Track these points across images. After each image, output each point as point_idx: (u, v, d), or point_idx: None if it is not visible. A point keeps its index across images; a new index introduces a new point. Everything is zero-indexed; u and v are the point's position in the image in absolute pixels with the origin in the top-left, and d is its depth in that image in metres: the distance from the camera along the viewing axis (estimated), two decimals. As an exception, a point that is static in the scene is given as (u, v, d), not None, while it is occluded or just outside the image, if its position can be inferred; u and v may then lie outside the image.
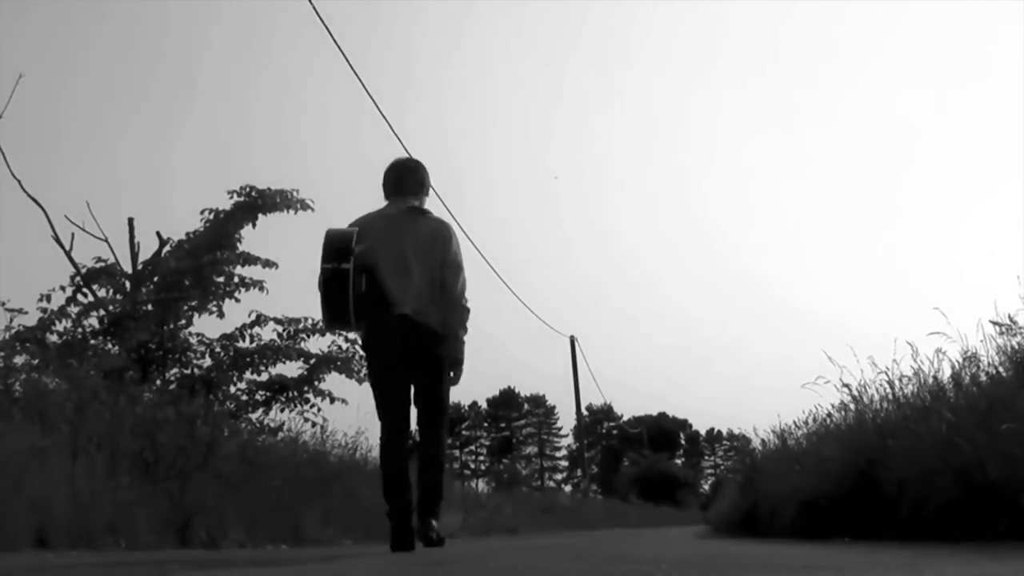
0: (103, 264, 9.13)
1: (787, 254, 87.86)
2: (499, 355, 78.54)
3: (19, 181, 8.59)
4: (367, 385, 8.29)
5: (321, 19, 9.05)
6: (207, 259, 9.20)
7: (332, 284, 3.89)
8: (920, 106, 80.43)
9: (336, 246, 3.91)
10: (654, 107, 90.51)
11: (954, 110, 78.90)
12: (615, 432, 68.65)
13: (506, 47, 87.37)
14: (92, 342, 8.78)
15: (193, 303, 9.18)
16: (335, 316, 4.00)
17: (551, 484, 66.62)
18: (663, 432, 68.58)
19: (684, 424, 72.65)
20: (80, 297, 8.89)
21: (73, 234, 8.99)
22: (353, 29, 64.05)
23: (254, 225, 9.54)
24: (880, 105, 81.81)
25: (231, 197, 9.45)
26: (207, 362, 9.09)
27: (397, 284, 4.02)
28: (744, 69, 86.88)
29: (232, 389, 9.09)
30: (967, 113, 77.73)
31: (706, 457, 74.72)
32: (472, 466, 68.00)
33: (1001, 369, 4.59)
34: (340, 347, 9.33)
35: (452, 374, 4.21)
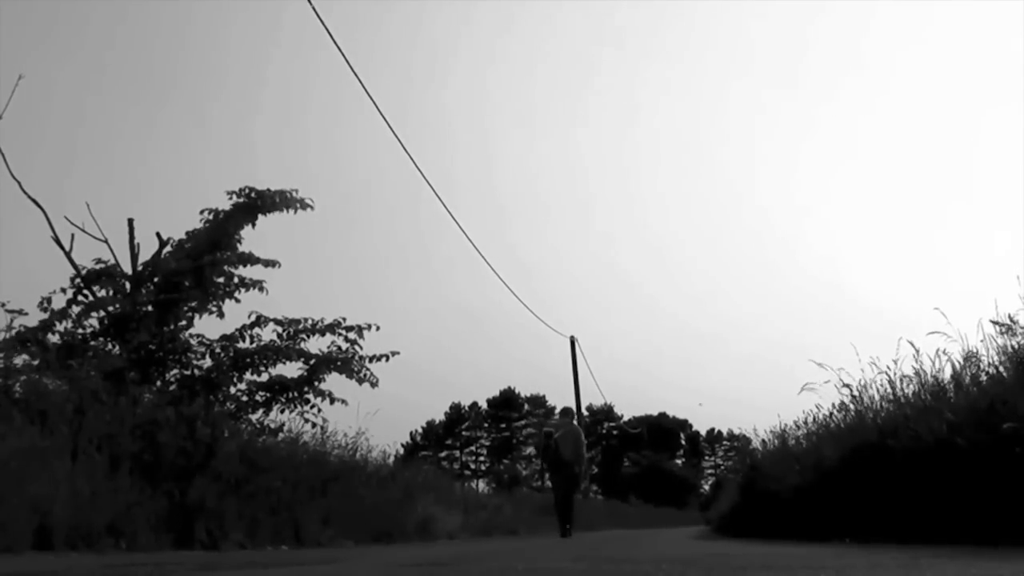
0: (103, 265, 9.12)
1: (788, 253, 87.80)
2: (499, 356, 78.69)
3: (19, 182, 8.56)
4: (367, 386, 9.03)
5: (322, 21, 9.10)
6: (207, 260, 9.20)
7: (545, 449, 11.96)
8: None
9: (546, 432, 12.17)
10: (656, 109, 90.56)
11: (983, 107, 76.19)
12: (615, 432, 68.53)
13: (505, 49, 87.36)
14: (92, 343, 8.78)
15: (193, 304, 9.18)
16: (546, 460, 12.23)
17: (551, 485, 66.42)
18: (663, 432, 68.51)
19: (684, 424, 72.47)
20: (80, 298, 8.89)
21: (73, 235, 8.93)
22: (353, 27, 64.00)
23: (254, 225, 9.56)
24: (919, 103, 79.47)
25: (230, 198, 9.48)
26: (207, 363, 9.08)
27: (564, 447, 11.33)
28: (780, 63, 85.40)
29: (232, 390, 9.08)
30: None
31: (706, 457, 74.46)
32: (472, 467, 67.91)
33: (1001, 369, 4.59)
34: (340, 347, 9.35)
35: (579, 483, 13.05)
